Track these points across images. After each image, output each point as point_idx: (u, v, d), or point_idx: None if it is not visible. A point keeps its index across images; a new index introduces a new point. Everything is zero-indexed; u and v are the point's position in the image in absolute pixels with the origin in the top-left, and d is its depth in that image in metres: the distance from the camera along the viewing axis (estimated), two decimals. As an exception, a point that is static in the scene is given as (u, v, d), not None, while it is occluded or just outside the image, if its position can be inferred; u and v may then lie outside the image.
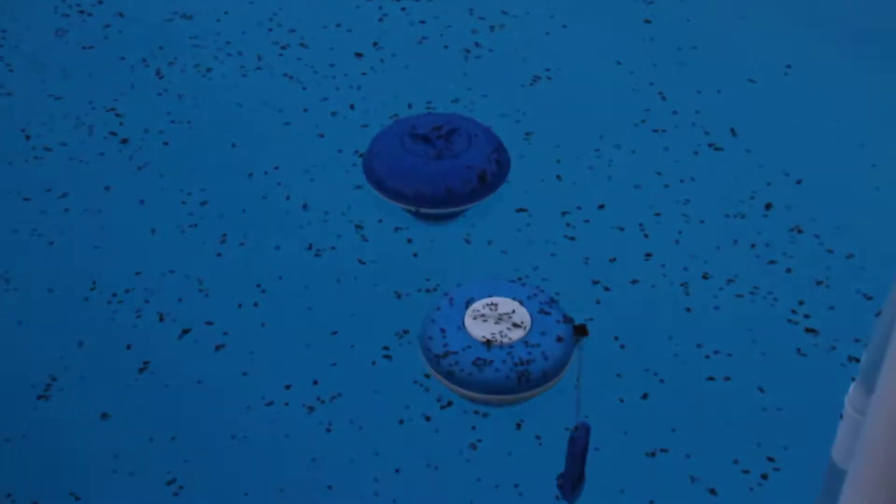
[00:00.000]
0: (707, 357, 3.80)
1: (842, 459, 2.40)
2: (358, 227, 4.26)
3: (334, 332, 3.91)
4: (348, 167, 4.50)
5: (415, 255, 4.16)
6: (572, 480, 3.37)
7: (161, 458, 3.56)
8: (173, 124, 4.67)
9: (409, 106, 4.74)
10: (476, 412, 3.66)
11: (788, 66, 4.93)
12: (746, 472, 3.49)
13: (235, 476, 3.54)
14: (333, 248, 4.19)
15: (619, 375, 3.77)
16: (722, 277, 4.06)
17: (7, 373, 3.78)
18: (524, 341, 3.71)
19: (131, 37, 5.08)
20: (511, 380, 3.63)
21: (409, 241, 4.20)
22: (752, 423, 3.61)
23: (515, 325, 3.75)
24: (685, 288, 4.02)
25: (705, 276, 4.06)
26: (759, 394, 3.69)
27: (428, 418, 3.65)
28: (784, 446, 3.54)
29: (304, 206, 4.35)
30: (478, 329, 3.74)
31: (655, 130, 4.66)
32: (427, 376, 3.75)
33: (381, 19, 5.18)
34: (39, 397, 3.71)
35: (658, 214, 4.29)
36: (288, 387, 3.74)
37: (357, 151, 4.54)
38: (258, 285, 4.05)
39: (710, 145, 4.58)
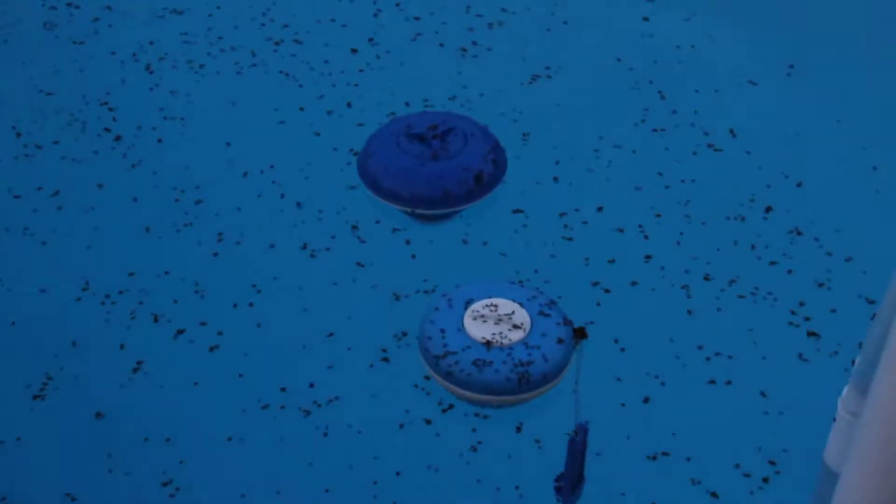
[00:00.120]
0: (708, 359, 3.86)
1: (834, 462, 2.43)
2: (354, 227, 4.31)
3: (331, 335, 3.95)
4: (343, 166, 4.55)
5: (413, 256, 4.20)
6: (571, 482, 3.42)
7: (157, 459, 3.61)
8: (166, 121, 4.72)
9: (407, 104, 4.78)
10: (476, 415, 3.71)
11: (791, 67, 4.99)
12: (748, 475, 3.55)
13: (232, 478, 3.58)
14: (328, 248, 4.23)
15: (619, 379, 3.81)
16: (723, 279, 4.11)
17: (1, 373, 3.82)
18: (524, 343, 3.76)
19: (121, 31, 5.12)
20: (511, 381, 3.69)
21: (407, 242, 4.25)
22: (753, 427, 3.67)
23: (515, 327, 3.80)
24: (686, 290, 4.07)
25: (707, 278, 4.12)
26: (761, 398, 3.74)
27: (428, 421, 3.70)
28: (785, 450, 3.60)
29: (298, 205, 4.39)
30: (477, 330, 3.80)
31: (655, 130, 4.71)
32: (427, 378, 3.79)
33: (375, 14, 5.23)
34: (35, 397, 3.75)
35: (659, 216, 4.33)
36: (283, 389, 3.79)
37: (352, 150, 4.58)
38: (253, 285, 4.10)
39: (709, 146, 4.64)
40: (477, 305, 3.88)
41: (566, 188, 4.49)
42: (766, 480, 3.54)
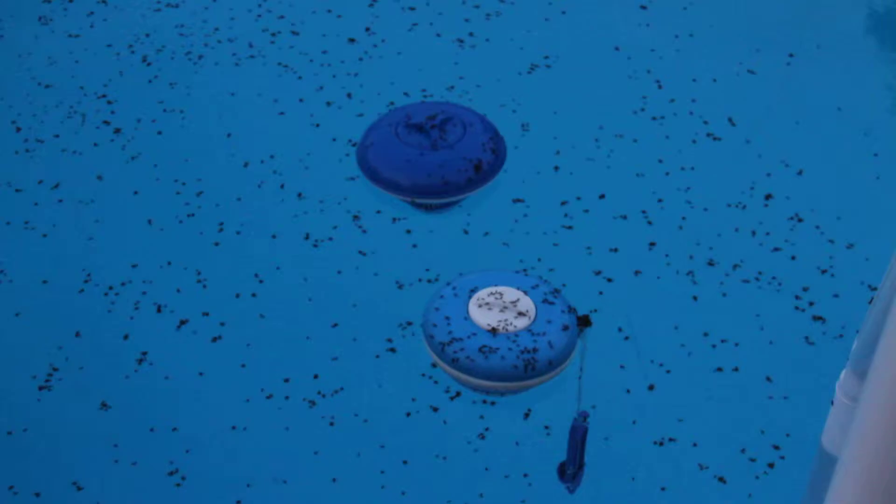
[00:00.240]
0: (714, 346, 3.90)
1: (832, 446, 2.44)
2: (355, 217, 4.33)
3: (335, 325, 3.99)
4: (342, 157, 4.57)
5: (414, 245, 4.23)
6: (573, 468, 3.47)
7: (162, 449, 3.64)
8: (166, 113, 4.74)
9: (405, 94, 4.80)
10: (484, 402, 3.74)
11: (790, 56, 5.03)
12: (753, 460, 3.59)
13: (237, 467, 3.62)
14: (331, 238, 4.26)
15: (622, 367, 3.85)
16: (727, 264, 4.15)
17: (7, 364, 3.86)
18: (529, 330, 3.78)
19: (116, 24, 5.15)
20: (518, 368, 3.71)
21: (408, 231, 4.27)
22: (758, 412, 3.71)
23: (521, 314, 3.83)
24: (691, 276, 4.11)
25: (711, 263, 4.15)
26: (767, 383, 3.78)
27: (435, 409, 3.73)
28: (790, 434, 3.64)
29: (299, 196, 4.41)
30: (483, 317, 3.82)
31: (654, 119, 4.74)
32: (433, 365, 3.81)
33: (370, 4, 5.26)
34: (41, 388, 3.77)
35: (661, 201, 4.37)
36: (287, 380, 3.82)
37: (351, 141, 4.60)
38: (256, 275, 4.13)
39: (708, 135, 4.68)
40: (482, 293, 3.90)
41: (566, 177, 4.52)
42: (771, 466, 3.58)
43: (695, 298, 4.06)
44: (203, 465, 3.62)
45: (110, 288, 4.08)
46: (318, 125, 4.71)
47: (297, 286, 4.11)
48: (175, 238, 4.26)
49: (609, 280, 4.12)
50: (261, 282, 4.11)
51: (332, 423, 3.71)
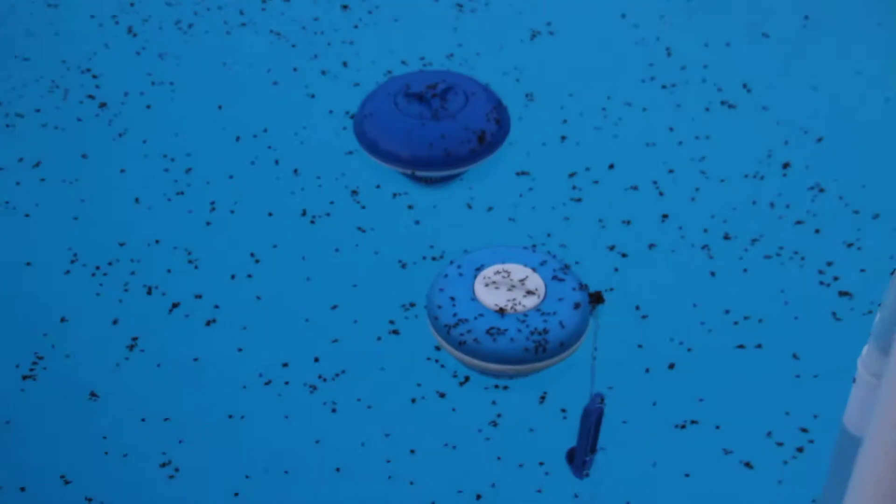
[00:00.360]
0: (736, 323, 3.77)
1: (854, 426, 2.35)
2: (354, 192, 4.20)
3: (335, 306, 3.85)
4: (339, 130, 4.45)
5: (416, 222, 4.11)
6: (583, 455, 3.33)
7: (155, 440, 3.50)
8: (154, 86, 4.60)
9: (403, 63, 4.67)
10: (496, 387, 3.61)
11: (806, 18, 4.90)
12: (780, 444, 3.46)
13: (234, 458, 3.48)
14: (329, 214, 4.13)
15: (640, 346, 3.73)
16: (745, 238, 4.02)
17: (-11, 351, 3.71)
18: (539, 309, 3.65)
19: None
20: (528, 350, 3.58)
21: (410, 207, 4.15)
22: (785, 392, 3.59)
23: (529, 293, 3.70)
24: (707, 251, 3.98)
25: (727, 237, 4.03)
26: (794, 361, 3.65)
27: (442, 395, 3.60)
28: (818, 415, 3.51)
29: (295, 171, 4.28)
30: (490, 297, 3.69)
31: (665, 87, 4.62)
32: (438, 348, 3.68)
33: (362, -31, 5.12)
34: (25, 377, 3.64)
35: (672, 172, 4.24)
36: (286, 364, 3.68)
37: (348, 112, 4.48)
38: (251, 254, 3.99)
39: (723, 102, 4.55)
40: (488, 271, 3.78)
41: (574, 148, 4.39)
42: (800, 450, 3.46)
43: (713, 274, 3.94)
44: (198, 457, 3.48)
45: (97, 268, 3.94)
46: (313, 96, 4.58)
47: (295, 266, 3.97)
48: (164, 217, 4.12)
49: (624, 255, 3.96)
50: (256, 262, 3.97)
51: (334, 410, 3.58)
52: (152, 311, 3.82)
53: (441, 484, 3.40)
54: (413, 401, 3.59)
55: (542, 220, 4.12)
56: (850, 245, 4.00)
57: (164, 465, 3.44)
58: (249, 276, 3.93)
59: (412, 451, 3.48)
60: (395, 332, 3.77)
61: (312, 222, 4.10)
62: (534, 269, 3.76)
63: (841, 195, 4.17)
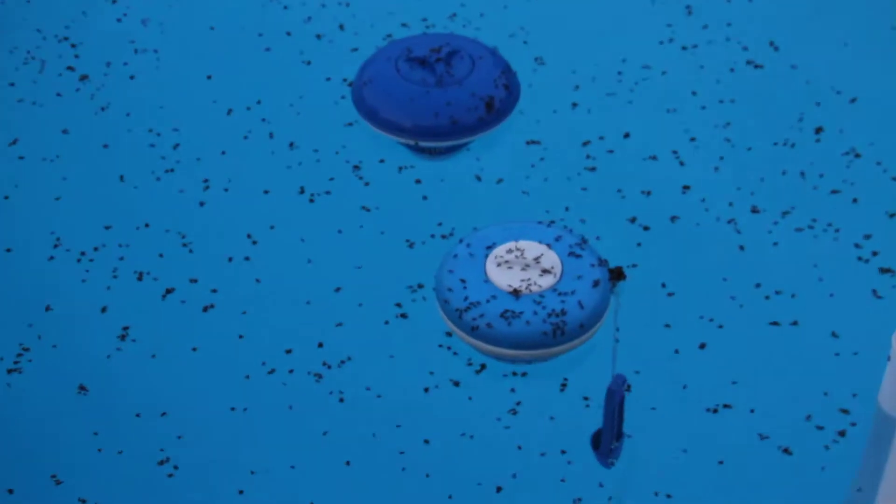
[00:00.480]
0: (767, 298, 3.81)
1: (891, 405, 2.37)
2: (355, 167, 4.24)
3: (338, 289, 3.89)
4: (337, 99, 4.48)
5: (424, 197, 4.14)
6: (609, 440, 3.39)
7: (151, 436, 3.53)
8: (137, 54, 4.63)
9: (404, 25, 4.71)
10: (514, 374, 3.65)
11: (836, -33, 4.94)
12: (821, 427, 3.50)
13: (237, 453, 3.52)
14: (329, 192, 4.16)
15: (667, 326, 3.77)
16: (775, 210, 4.06)
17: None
18: (556, 289, 3.69)
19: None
20: (546, 334, 3.63)
21: (417, 181, 4.18)
22: (824, 373, 3.63)
23: (545, 272, 3.74)
24: (734, 224, 4.02)
25: (755, 210, 4.07)
26: (832, 339, 3.70)
27: (457, 383, 3.64)
28: (856, 394, 3.54)
29: (291, 145, 4.32)
30: (503, 277, 3.73)
31: (685, 48, 4.65)
32: (448, 334, 3.72)
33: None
34: (10, 370, 3.67)
35: (694, 140, 4.27)
36: (289, 351, 3.72)
37: (346, 80, 4.51)
38: (248, 236, 4.03)
39: (748, 62, 4.59)
40: (500, 250, 3.82)
41: (585, 115, 4.43)
42: (841, 434, 3.49)
43: (741, 248, 3.98)
44: (199, 453, 3.52)
45: (83, 253, 3.97)
46: (308, 62, 4.61)
47: (295, 247, 4.01)
48: (153, 197, 4.16)
49: (646, 228, 4.00)
50: (254, 243, 4.01)
51: (341, 400, 3.62)
52: (144, 297, 3.86)
53: (458, 476, 3.45)
54: (426, 390, 3.63)
55: (556, 192, 4.16)
56: (892, 215, 4.03)
57: (162, 462, 3.48)
58: (247, 258, 3.97)
59: (426, 442, 3.52)
60: (403, 315, 3.81)
61: (312, 201, 4.13)
62: (549, 246, 3.79)
63: (879, 160, 4.21)
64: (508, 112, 4.40)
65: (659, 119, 4.41)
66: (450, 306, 3.72)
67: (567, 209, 4.07)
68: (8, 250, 4.00)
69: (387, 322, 3.80)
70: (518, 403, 3.60)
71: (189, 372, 3.70)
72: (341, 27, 4.72)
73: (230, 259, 3.96)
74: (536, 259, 3.78)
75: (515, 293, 3.70)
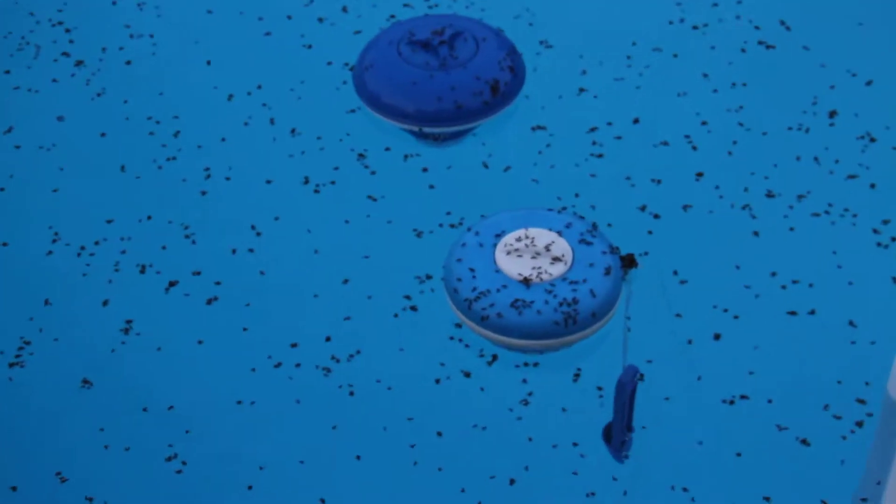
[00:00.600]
0: (784, 287, 3.91)
1: None
2: (360, 155, 4.32)
3: (345, 281, 3.99)
4: (339, 84, 4.56)
5: (431, 186, 4.23)
6: (621, 434, 3.51)
7: (158, 431, 3.63)
8: (133, 39, 4.71)
9: (407, 5, 4.79)
10: (526, 364, 3.75)
11: (852, -58, 5.02)
12: (838, 417, 3.61)
13: (246, 447, 3.62)
14: (333, 182, 4.25)
15: (678, 315, 3.86)
16: (790, 195, 4.15)
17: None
18: (566, 277, 3.80)
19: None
20: (557, 323, 3.74)
21: (424, 170, 4.27)
22: (841, 362, 3.73)
23: (556, 259, 3.84)
24: (748, 210, 4.12)
25: (770, 195, 4.16)
26: (850, 328, 3.80)
27: (468, 374, 3.74)
28: (875, 386, 3.65)
29: (293, 132, 4.40)
30: (513, 266, 3.84)
31: (695, 28, 4.73)
32: (458, 325, 3.83)
33: None
34: (11, 365, 3.76)
35: (705, 124, 4.36)
36: (295, 345, 3.82)
37: (348, 64, 4.59)
38: (252, 227, 4.13)
39: (760, 42, 4.67)
40: (509, 238, 3.92)
41: (592, 101, 4.52)
42: (859, 424, 3.59)
43: (756, 234, 4.08)
44: (207, 448, 3.61)
45: (82, 248, 4.07)
46: (310, 46, 4.69)
47: (300, 238, 4.11)
48: (154, 187, 4.25)
49: (656, 216, 4.10)
50: (258, 234, 4.11)
51: (351, 393, 3.72)
52: (147, 290, 3.95)
53: (471, 469, 3.55)
54: (437, 381, 3.73)
55: (564, 179, 4.25)
56: (910, 201, 4.13)
57: (170, 458, 3.57)
58: (251, 250, 4.06)
59: (439, 434, 3.62)
60: (413, 307, 3.90)
61: (317, 191, 4.22)
62: (559, 233, 3.89)
63: (895, 145, 4.30)
64: (514, 95, 4.49)
65: (670, 103, 4.50)
66: (459, 296, 3.82)
67: (577, 195, 4.15)
68: (4, 244, 4.09)
69: (396, 315, 3.90)
70: (530, 394, 3.70)
71: (195, 365, 3.79)
72: (344, 9, 4.80)
73: (234, 251, 4.06)
74: (547, 247, 3.89)
75: (526, 282, 3.80)
